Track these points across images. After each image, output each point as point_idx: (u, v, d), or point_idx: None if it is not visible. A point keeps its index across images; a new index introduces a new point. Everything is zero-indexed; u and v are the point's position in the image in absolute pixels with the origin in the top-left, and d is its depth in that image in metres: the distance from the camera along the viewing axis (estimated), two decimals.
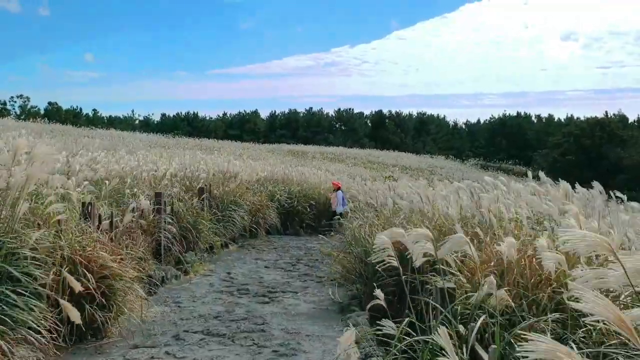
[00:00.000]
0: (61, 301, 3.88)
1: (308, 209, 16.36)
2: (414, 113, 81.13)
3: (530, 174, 8.11)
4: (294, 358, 5.37)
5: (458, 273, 4.76)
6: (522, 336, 2.04)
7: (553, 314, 3.63)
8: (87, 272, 5.43)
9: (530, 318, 3.75)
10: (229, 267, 9.89)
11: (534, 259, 4.34)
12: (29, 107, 63.94)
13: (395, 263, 3.87)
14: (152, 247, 8.44)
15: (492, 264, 4.60)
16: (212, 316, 6.68)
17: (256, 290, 8.18)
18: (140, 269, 6.88)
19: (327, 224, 13.83)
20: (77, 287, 4.68)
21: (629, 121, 66.92)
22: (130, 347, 5.49)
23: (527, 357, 1.80)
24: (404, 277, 4.16)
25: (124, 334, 5.76)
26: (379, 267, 4.10)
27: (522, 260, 4.39)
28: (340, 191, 15.43)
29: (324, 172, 23.53)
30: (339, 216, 13.33)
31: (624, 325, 1.84)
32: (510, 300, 3.65)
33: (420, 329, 3.86)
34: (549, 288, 4.02)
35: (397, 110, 79.12)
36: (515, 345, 3.57)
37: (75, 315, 4.17)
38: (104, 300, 5.48)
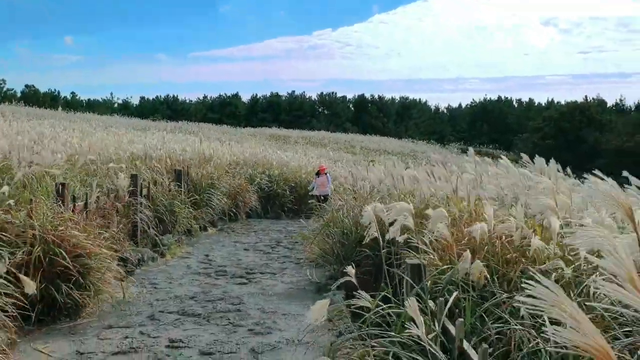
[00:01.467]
0: (20, 276, 3.81)
1: (288, 193, 16.33)
2: (397, 97, 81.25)
3: (505, 158, 8.16)
4: (269, 336, 5.37)
5: (432, 251, 4.80)
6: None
7: (525, 291, 3.67)
8: (60, 251, 5.37)
9: (501, 294, 3.79)
10: (207, 250, 9.84)
11: (503, 237, 4.38)
12: (4, 89, 62.71)
13: (376, 234, 3.89)
14: (128, 229, 8.37)
15: (464, 242, 4.63)
16: (188, 297, 6.65)
17: (234, 272, 8.16)
18: (116, 249, 6.83)
19: (308, 208, 13.79)
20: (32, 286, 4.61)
21: (608, 105, 67.71)
22: (105, 327, 5.44)
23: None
24: (383, 251, 4.18)
25: (98, 314, 5.73)
26: (365, 237, 4.12)
27: (492, 238, 4.43)
28: (325, 175, 15.01)
29: (307, 156, 23.48)
30: (323, 198, 13.33)
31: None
32: (486, 272, 3.67)
33: (395, 303, 3.89)
34: (519, 265, 4.06)
35: (380, 95, 79.15)
36: (486, 319, 3.62)
37: (30, 286, 4.10)
38: (80, 279, 5.43)
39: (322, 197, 14.12)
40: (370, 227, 3.82)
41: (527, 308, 2.45)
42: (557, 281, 3.58)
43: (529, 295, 1.63)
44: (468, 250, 3.90)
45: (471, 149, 7.28)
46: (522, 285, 1.86)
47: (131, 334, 5.28)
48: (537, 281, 1.63)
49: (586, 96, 63.99)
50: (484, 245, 4.46)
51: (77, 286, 5.46)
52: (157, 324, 5.61)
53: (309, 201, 14.28)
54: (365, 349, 3.58)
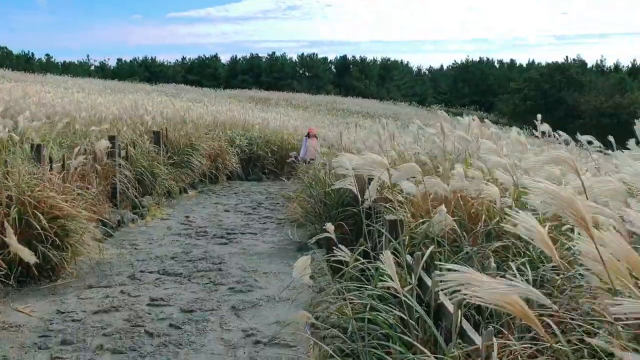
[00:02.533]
0: (9, 240, 3.78)
1: (270, 155, 16.27)
2: (378, 59, 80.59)
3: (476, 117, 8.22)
4: (250, 294, 5.43)
5: (405, 208, 4.85)
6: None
7: (494, 243, 3.73)
8: (37, 213, 5.33)
9: (471, 247, 3.85)
10: (187, 212, 9.82)
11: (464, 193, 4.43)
12: None
13: (354, 189, 3.90)
14: (107, 191, 8.30)
15: (431, 197, 4.67)
16: (168, 257, 6.67)
17: (215, 233, 8.17)
18: (95, 211, 6.79)
19: (289, 170, 13.53)
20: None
21: (588, 66, 67.94)
22: (85, 287, 5.45)
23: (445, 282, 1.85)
24: (361, 206, 4.20)
25: (78, 275, 5.72)
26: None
27: (457, 193, 4.49)
28: (315, 137, 14.01)
29: (288, 117, 23.32)
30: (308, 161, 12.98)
31: (546, 245, 1.90)
32: (456, 226, 3.73)
33: (373, 257, 3.94)
34: (484, 218, 4.13)
35: (362, 56, 78.43)
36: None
37: (27, 255, 4.07)
38: (57, 240, 5.41)
39: (308, 162, 13.27)
40: (346, 176, 3.81)
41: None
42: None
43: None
44: (443, 205, 3.95)
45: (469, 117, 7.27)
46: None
47: (112, 293, 5.30)
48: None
49: (567, 57, 64.09)
50: (450, 202, 4.53)
51: (55, 247, 5.43)
52: (138, 283, 5.64)
53: (293, 163, 13.88)
54: (343, 302, 3.65)
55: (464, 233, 3.94)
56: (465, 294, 1.62)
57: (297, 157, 13.55)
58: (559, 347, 1.83)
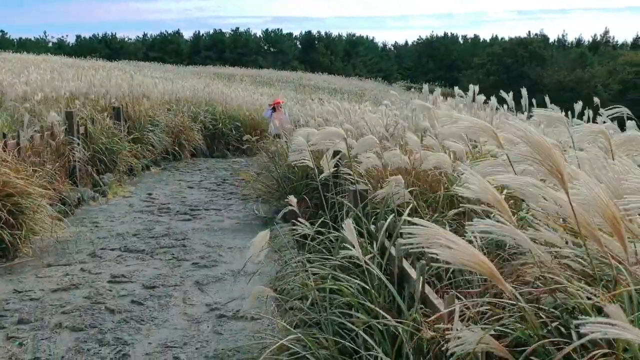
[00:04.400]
0: None
1: (234, 131, 16.06)
2: (344, 35, 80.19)
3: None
4: (214, 269, 5.38)
5: (366, 180, 4.85)
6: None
7: (451, 210, 3.75)
8: None
9: (430, 216, 3.87)
10: (150, 189, 9.65)
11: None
12: None
13: (310, 164, 3.86)
14: (65, 168, 8.07)
15: (390, 170, 4.68)
16: (130, 234, 6.54)
17: (178, 209, 8.05)
18: (53, 189, 6.61)
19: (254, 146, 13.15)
20: None
21: (550, 41, 68.96)
22: (44, 265, 5.32)
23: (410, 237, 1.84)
24: (320, 177, 4.17)
25: (36, 254, 5.57)
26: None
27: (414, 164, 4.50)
28: (281, 109, 13.03)
29: (254, 95, 23.04)
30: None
31: (498, 203, 1.90)
32: (411, 197, 3.73)
33: (335, 229, 3.93)
34: (442, 187, 4.15)
35: (327, 32, 77.93)
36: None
37: None
38: (11, 219, 5.23)
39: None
40: (301, 153, 3.76)
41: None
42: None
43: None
44: (400, 175, 3.95)
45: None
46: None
47: (71, 271, 5.18)
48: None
49: (529, 32, 64.97)
50: (410, 172, 4.54)
51: (9, 226, 5.26)
52: (99, 261, 5.52)
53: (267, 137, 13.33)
54: (305, 274, 3.64)
55: (424, 202, 3.95)
56: (434, 253, 1.60)
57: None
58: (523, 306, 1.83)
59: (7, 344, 3.71)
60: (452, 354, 2.17)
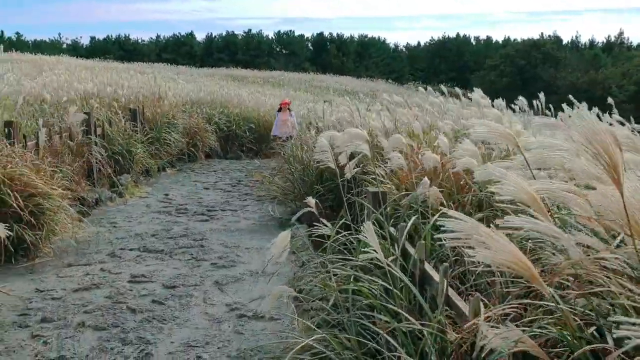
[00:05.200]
0: None
1: (248, 133, 16.11)
2: (355, 36, 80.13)
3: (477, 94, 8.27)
4: (232, 269, 5.41)
5: (388, 181, 4.85)
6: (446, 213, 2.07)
7: (479, 213, 3.75)
8: (11, 192, 5.21)
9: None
10: (166, 190, 9.72)
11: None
12: None
13: (332, 165, 3.87)
14: (83, 169, 8.15)
15: (417, 171, 4.68)
16: (149, 234, 6.60)
17: (195, 210, 8.11)
18: (72, 189, 6.68)
19: (267, 147, 13.10)
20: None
21: (563, 42, 68.44)
22: (64, 265, 5.38)
23: (446, 232, 1.84)
24: (341, 179, 4.18)
25: (57, 254, 5.64)
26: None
27: (445, 166, 4.50)
28: (288, 111, 13.07)
29: (265, 96, 23.10)
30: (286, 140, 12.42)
31: (534, 202, 1.88)
32: (442, 196, 3.73)
33: (355, 230, 3.94)
34: (472, 190, 4.15)
35: (339, 33, 77.91)
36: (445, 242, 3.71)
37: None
38: (32, 220, 5.30)
39: (285, 139, 12.22)
40: (324, 155, 3.77)
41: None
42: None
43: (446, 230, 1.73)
44: (426, 177, 3.95)
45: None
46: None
47: (92, 271, 5.23)
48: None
49: (542, 33, 64.52)
50: (439, 174, 4.54)
51: (31, 226, 5.33)
52: (118, 260, 5.57)
53: (272, 143, 13.42)
54: (326, 275, 3.65)
55: (451, 204, 3.95)
56: (471, 253, 1.59)
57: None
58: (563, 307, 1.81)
59: (33, 342, 3.76)
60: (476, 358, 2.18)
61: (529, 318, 1.94)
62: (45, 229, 5.50)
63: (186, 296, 4.63)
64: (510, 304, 2.11)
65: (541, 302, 1.90)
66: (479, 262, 3.11)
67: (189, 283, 4.95)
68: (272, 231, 6.91)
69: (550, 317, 1.85)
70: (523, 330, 1.74)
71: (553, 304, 1.76)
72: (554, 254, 2.07)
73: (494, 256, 1.55)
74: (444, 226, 3.75)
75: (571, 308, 1.77)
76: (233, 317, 4.26)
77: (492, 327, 2.10)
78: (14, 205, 5.14)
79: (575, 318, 1.73)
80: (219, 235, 6.67)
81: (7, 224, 5.09)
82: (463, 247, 1.74)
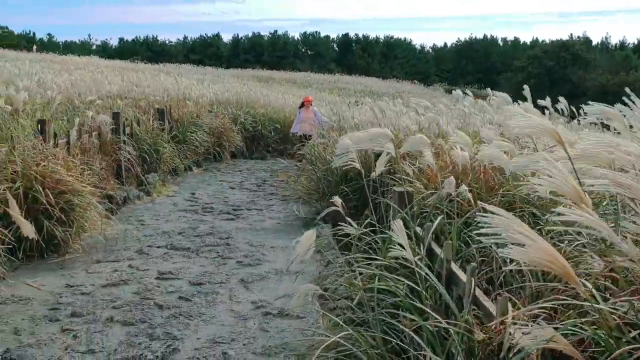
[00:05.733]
0: (13, 214, 3.77)
1: (273, 133, 16.18)
2: (381, 37, 79.94)
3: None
4: (258, 267, 5.44)
5: (415, 180, 4.83)
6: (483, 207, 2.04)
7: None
8: (43, 188, 5.32)
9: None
10: (193, 189, 9.82)
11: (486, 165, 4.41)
12: None
13: (357, 166, 3.87)
14: (111, 167, 8.29)
15: (447, 171, 4.65)
16: (176, 232, 6.68)
17: (221, 209, 8.18)
18: (101, 187, 6.79)
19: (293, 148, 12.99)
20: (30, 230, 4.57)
21: (593, 44, 67.28)
22: (93, 261, 5.47)
23: (484, 227, 1.82)
24: (367, 179, 4.18)
25: (86, 250, 5.73)
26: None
27: (475, 166, 4.46)
28: (311, 108, 12.76)
29: (292, 96, 23.21)
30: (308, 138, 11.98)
31: (576, 195, 1.85)
32: (471, 196, 3.70)
33: (381, 230, 3.93)
34: (501, 190, 4.11)
35: (365, 34, 77.83)
36: (470, 243, 3.68)
37: (28, 229, 4.05)
38: (62, 216, 5.40)
39: (306, 137, 12.23)
40: (348, 155, 3.76)
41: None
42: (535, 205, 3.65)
43: (482, 225, 1.71)
44: (452, 176, 3.93)
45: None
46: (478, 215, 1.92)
47: (120, 267, 5.32)
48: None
49: (571, 34, 63.54)
50: (468, 173, 4.50)
51: (61, 223, 5.43)
52: (146, 257, 5.65)
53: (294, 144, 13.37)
54: (352, 274, 3.65)
55: (478, 204, 3.91)
56: (506, 251, 1.56)
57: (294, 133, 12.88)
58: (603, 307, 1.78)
59: (63, 336, 3.83)
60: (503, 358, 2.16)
61: (561, 318, 1.91)
62: (75, 226, 5.60)
63: (212, 293, 4.67)
64: (539, 305, 2.08)
65: (577, 302, 1.87)
66: (508, 262, 3.09)
67: (215, 280, 4.99)
68: (297, 230, 6.93)
69: (584, 318, 1.82)
70: (556, 329, 1.72)
71: (589, 304, 1.73)
72: (591, 256, 2.03)
73: (529, 254, 1.53)
74: (472, 224, 3.74)
75: (612, 308, 1.74)
76: (258, 314, 4.28)
77: (521, 326, 2.08)
78: (46, 202, 5.24)
79: (615, 318, 1.70)
80: (244, 234, 6.72)
81: (39, 220, 5.25)
82: (496, 244, 1.72)
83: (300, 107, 13.11)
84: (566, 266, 1.56)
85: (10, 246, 4.82)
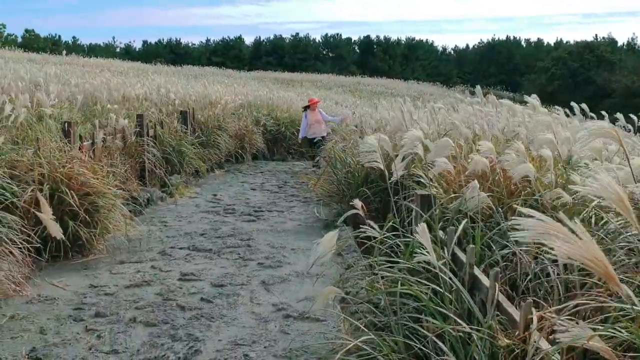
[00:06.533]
0: (40, 215, 3.83)
1: (294, 135, 16.22)
2: (402, 39, 79.67)
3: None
4: (279, 269, 5.45)
5: (436, 184, 4.79)
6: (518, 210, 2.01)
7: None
8: (68, 190, 5.40)
9: (505, 223, 3.79)
10: (214, 190, 9.89)
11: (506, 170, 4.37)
12: (5, 34, 61.60)
13: (381, 166, 3.85)
14: (135, 169, 8.38)
15: (467, 173, 4.61)
16: (198, 234, 6.73)
17: (242, 210, 8.22)
18: (124, 188, 6.87)
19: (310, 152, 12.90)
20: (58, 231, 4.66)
21: (618, 45, 66.19)
22: (116, 262, 5.53)
23: (519, 230, 1.79)
24: (390, 181, 4.16)
25: (109, 251, 5.80)
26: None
27: (495, 169, 4.42)
28: (317, 110, 12.45)
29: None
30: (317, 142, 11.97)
31: (623, 204, 1.81)
32: (491, 202, 3.67)
33: (403, 234, 3.91)
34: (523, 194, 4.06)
35: (386, 36, 77.67)
36: (493, 247, 3.64)
37: (55, 230, 4.12)
38: (87, 217, 5.47)
39: (316, 141, 12.17)
40: (372, 156, 3.75)
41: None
42: (556, 208, 3.60)
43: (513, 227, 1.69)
44: (475, 180, 3.89)
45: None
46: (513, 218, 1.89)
47: (143, 268, 5.37)
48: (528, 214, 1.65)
49: (596, 35, 62.62)
50: (488, 177, 4.45)
51: (86, 224, 5.50)
52: (169, 259, 5.70)
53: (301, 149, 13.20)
54: (374, 277, 3.64)
55: (500, 209, 3.87)
56: (551, 247, 1.54)
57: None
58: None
59: (87, 336, 3.88)
60: None
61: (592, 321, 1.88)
62: (99, 227, 5.67)
63: (233, 295, 4.69)
64: (570, 303, 2.05)
65: (616, 304, 1.84)
66: (533, 266, 3.06)
67: (236, 282, 5.02)
68: (317, 232, 6.93)
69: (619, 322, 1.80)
70: (594, 329, 1.69)
71: (629, 306, 1.70)
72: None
73: (572, 251, 1.50)
74: (495, 228, 3.69)
75: None
76: (279, 317, 4.29)
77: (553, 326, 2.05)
78: (71, 203, 5.32)
79: None
80: (265, 236, 6.74)
81: (64, 221, 5.33)
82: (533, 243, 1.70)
83: (304, 110, 12.65)
84: (608, 266, 1.53)
85: (37, 246, 4.90)
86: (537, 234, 1.56)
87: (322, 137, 12.20)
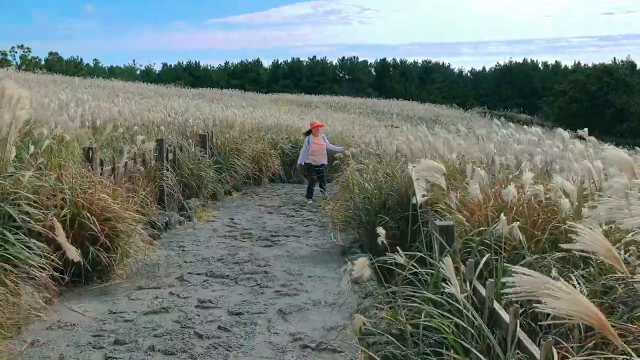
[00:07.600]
0: (60, 239, 3.87)
1: None
2: (419, 61, 80.00)
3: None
4: (296, 297, 5.43)
5: (458, 213, 4.77)
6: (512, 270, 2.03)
7: (555, 253, 3.62)
8: (90, 215, 5.45)
9: (530, 256, 3.75)
10: (232, 214, 9.92)
11: (532, 200, 4.34)
12: (29, 57, 62.91)
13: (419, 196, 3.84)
14: (154, 193, 8.45)
15: (491, 203, 4.59)
16: (215, 259, 6.74)
17: (259, 235, 8.23)
18: (144, 213, 6.91)
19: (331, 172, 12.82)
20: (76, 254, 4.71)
21: (637, 68, 65.71)
22: (135, 288, 5.55)
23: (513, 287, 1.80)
24: (419, 209, 4.15)
25: (129, 276, 5.83)
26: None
27: (522, 200, 4.39)
28: (320, 135, 12.04)
29: (330, 119, 23.39)
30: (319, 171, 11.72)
31: (611, 256, 1.83)
32: (521, 234, 3.63)
33: (424, 263, 3.88)
34: (549, 227, 4.02)
35: (402, 59, 78.09)
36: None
37: (73, 253, 4.15)
38: (107, 242, 5.51)
39: (318, 168, 11.83)
40: (417, 185, 3.76)
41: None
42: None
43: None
44: (503, 213, 3.87)
45: None
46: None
47: (161, 294, 5.38)
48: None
49: (614, 58, 62.27)
50: (512, 207, 4.42)
51: (106, 249, 5.54)
52: (186, 285, 5.71)
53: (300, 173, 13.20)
54: (397, 308, 3.61)
55: (525, 240, 3.83)
56: (538, 301, 1.56)
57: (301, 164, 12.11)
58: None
59: None
60: None
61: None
62: (119, 252, 5.70)
63: (251, 324, 4.68)
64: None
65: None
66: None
67: (253, 310, 5.00)
68: (334, 259, 6.92)
69: None
70: None
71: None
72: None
73: (563, 306, 1.51)
74: (515, 263, 3.65)
75: None
76: (297, 347, 4.26)
77: None
78: (92, 228, 5.37)
79: None
80: (282, 262, 6.73)
81: (84, 246, 5.38)
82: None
83: (307, 135, 12.21)
84: (602, 319, 1.53)
85: (58, 273, 4.94)
86: (527, 292, 1.59)
87: (324, 164, 11.99)
